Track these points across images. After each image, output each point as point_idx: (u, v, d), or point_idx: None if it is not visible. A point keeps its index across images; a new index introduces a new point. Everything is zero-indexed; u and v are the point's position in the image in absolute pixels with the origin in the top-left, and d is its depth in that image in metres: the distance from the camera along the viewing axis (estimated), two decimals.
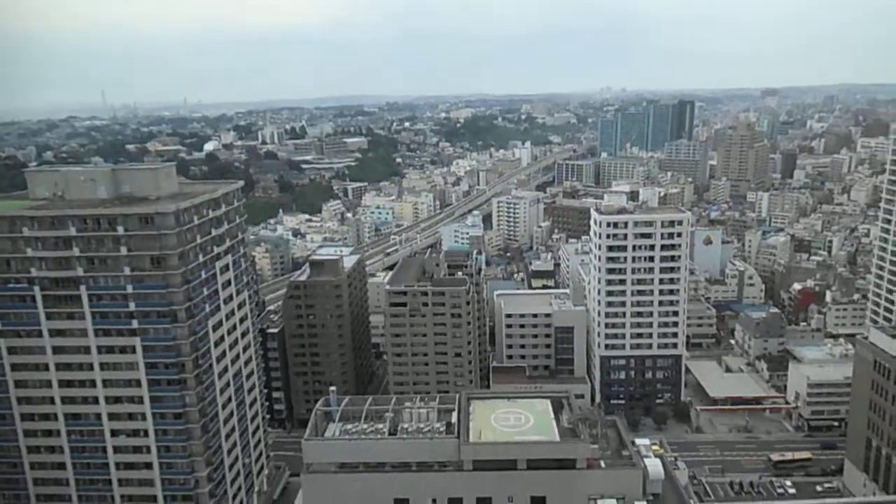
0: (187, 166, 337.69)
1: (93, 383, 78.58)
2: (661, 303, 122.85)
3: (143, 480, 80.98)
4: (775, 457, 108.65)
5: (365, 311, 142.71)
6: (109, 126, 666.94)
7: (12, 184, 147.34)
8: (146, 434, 79.87)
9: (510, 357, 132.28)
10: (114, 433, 79.88)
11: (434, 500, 59.46)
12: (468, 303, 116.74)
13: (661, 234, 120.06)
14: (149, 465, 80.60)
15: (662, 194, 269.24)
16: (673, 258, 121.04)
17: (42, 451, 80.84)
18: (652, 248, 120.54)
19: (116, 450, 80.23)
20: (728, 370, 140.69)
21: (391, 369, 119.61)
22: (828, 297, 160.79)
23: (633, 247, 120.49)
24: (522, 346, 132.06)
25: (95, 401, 78.99)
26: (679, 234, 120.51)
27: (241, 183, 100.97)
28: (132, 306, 76.80)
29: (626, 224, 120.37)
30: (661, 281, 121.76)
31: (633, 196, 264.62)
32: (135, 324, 77.19)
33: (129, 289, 76.45)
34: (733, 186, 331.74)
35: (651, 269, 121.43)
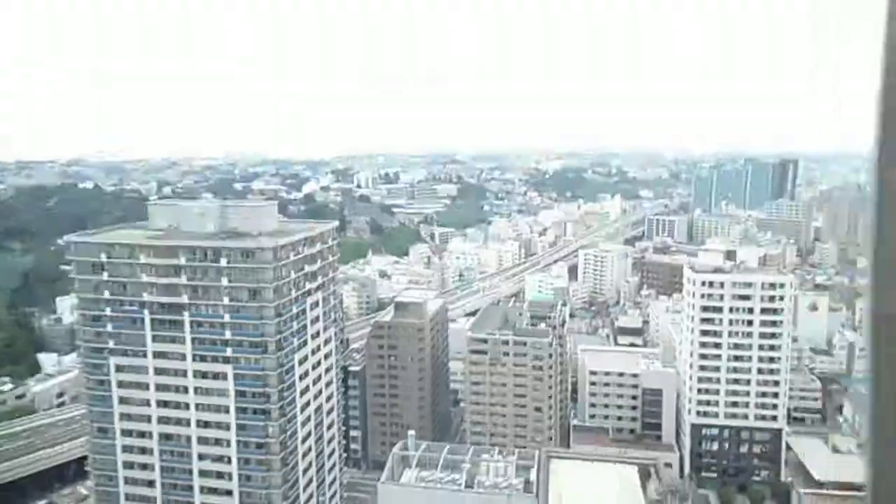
0: (286, 205, 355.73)
1: (186, 406, 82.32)
2: (759, 370, 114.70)
3: None
4: None
5: (445, 356, 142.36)
6: (222, 165, 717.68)
7: (135, 215, 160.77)
8: (229, 461, 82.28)
9: (592, 416, 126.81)
10: (200, 457, 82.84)
11: None
12: (551, 355, 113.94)
13: (761, 297, 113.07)
14: (229, 493, 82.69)
15: (762, 255, 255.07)
16: (774, 323, 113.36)
17: (136, 468, 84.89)
18: (751, 311, 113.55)
19: (201, 473, 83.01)
20: (836, 450, 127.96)
21: (468, 417, 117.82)
22: None
23: (730, 308, 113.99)
24: (606, 406, 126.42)
25: (188, 423, 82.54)
26: (781, 298, 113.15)
27: (336, 223, 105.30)
28: (228, 335, 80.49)
29: (722, 284, 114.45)
30: (761, 347, 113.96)
31: (729, 255, 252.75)
32: (229, 351, 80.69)
33: (227, 318, 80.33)
34: (841, 250, 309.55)
35: (749, 334, 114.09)
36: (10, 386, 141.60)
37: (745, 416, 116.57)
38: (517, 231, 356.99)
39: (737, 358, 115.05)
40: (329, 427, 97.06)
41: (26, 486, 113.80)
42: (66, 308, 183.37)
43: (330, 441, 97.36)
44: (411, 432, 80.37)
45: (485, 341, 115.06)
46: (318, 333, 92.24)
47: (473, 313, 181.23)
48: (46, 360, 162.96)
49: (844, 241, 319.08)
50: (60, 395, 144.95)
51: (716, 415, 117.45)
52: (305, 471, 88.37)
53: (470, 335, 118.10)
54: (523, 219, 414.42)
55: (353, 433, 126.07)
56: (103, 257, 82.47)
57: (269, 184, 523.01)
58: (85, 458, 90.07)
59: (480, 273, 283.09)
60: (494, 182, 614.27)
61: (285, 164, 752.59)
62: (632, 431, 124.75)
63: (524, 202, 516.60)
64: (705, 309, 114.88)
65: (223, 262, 79.67)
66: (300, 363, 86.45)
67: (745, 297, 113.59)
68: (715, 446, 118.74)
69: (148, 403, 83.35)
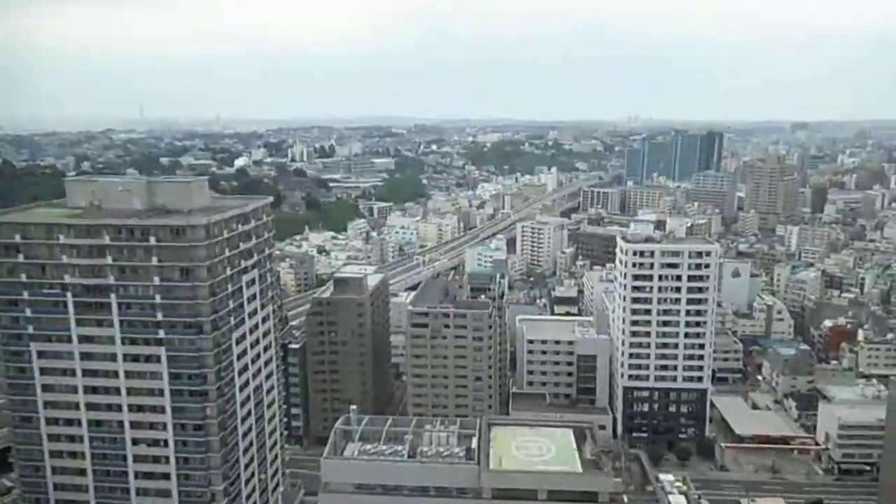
0: (218, 181, 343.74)
1: (117, 391, 79.23)
2: (686, 335, 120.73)
3: (161, 491, 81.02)
4: None
5: (386, 330, 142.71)
6: (145, 139, 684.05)
7: (51, 192, 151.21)
8: (166, 444, 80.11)
9: (531, 384, 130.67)
10: (135, 441, 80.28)
11: None
12: (490, 326, 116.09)
13: (689, 265, 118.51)
14: (167, 476, 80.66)
15: (689, 225, 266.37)
16: (700, 289, 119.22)
17: (64, 456, 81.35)
18: (679, 278, 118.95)
19: (136, 458, 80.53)
20: (755, 407, 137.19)
21: (410, 390, 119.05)
22: (860, 336, 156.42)
23: (660, 276, 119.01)
24: (543, 374, 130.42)
25: (119, 408, 79.58)
26: (707, 266, 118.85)
27: (271, 199, 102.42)
28: (159, 316, 77.61)
29: (652, 253, 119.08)
30: (688, 312, 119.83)
31: (659, 225, 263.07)
32: (161, 333, 77.91)
33: (158, 299, 77.35)
34: (762, 219, 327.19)
35: (678, 300, 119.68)
36: None
37: (674, 378, 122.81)
38: (456, 205, 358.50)
39: (666, 323, 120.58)
40: (270, 405, 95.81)
41: None
42: None
43: (271, 419, 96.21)
44: (353, 407, 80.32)
45: (426, 314, 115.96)
46: (255, 312, 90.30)
47: (414, 287, 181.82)
48: None
49: (765, 211, 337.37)
50: None
51: (646, 377, 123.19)
52: (246, 450, 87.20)
53: (411, 309, 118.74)
54: (462, 192, 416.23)
55: (294, 410, 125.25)
56: (18, 238, 77.36)
57: (199, 158, 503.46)
58: (7, 449, 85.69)
59: (420, 247, 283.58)
60: (432, 155, 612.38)
61: (215, 138, 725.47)
62: (567, 396, 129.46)
63: (462, 175, 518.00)
64: (636, 277, 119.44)
65: (152, 240, 76.32)
66: (238, 342, 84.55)
67: (674, 266, 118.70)
68: (645, 407, 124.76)
69: (75, 390, 79.69)
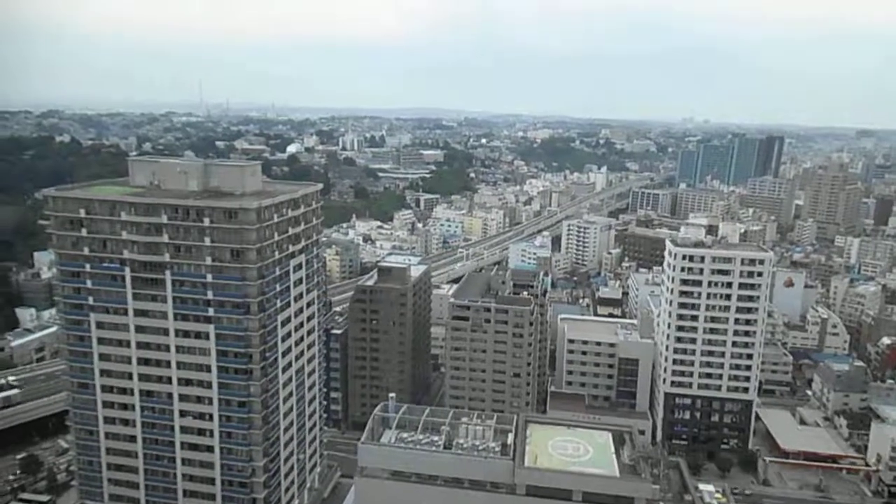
0: (270, 166, 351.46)
1: (168, 364, 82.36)
2: (734, 343, 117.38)
3: (204, 462, 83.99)
4: None
5: (427, 321, 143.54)
6: (203, 123, 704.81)
7: (114, 171, 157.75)
8: (211, 418, 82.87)
9: (569, 384, 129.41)
10: (182, 413, 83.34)
11: None
12: (531, 323, 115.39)
13: (740, 272, 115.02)
14: (210, 449, 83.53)
15: (743, 231, 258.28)
16: (751, 298, 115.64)
17: (117, 423, 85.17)
18: (729, 285, 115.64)
19: (183, 430, 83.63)
20: (803, 422, 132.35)
21: (448, 382, 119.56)
22: None
23: (709, 283, 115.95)
24: (583, 374, 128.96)
25: (168, 381, 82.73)
26: (759, 274, 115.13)
27: (320, 186, 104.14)
28: (210, 295, 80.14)
29: (703, 259, 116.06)
30: (737, 321, 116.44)
31: (711, 230, 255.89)
32: (211, 311, 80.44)
33: (209, 278, 79.85)
34: (820, 229, 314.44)
35: (727, 308, 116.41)
36: None
37: (718, 388, 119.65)
38: (503, 199, 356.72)
39: (713, 331, 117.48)
40: (310, 388, 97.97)
41: (6, 438, 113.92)
42: (45, 263, 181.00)
43: (311, 401, 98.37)
44: (392, 394, 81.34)
45: (467, 308, 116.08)
46: (301, 296, 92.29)
47: (456, 280, 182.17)
48: (24, 314, 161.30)
49: (824, 220, 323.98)
50: (40, 349, 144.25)
51: (689, 385, 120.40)
52: (286, 429, 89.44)
53: (452, 301, 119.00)
54: (509, 187, 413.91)
55: (333, 395, 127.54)
56: (82, 213, 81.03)
57: (253, 143, 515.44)
58: (65, 412, 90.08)
59: (464, 240, 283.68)
60: (481, 149, 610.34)
61: (269, 124, 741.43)
62: (607, 399, 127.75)
63: (510, 171, 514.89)
64: (685, 282, 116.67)
65: (206, 221, 78.73)
66: (283, 324, 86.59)
67: (725, 272, 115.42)
68: (687, 415, 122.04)
69: (129, 360, 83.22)
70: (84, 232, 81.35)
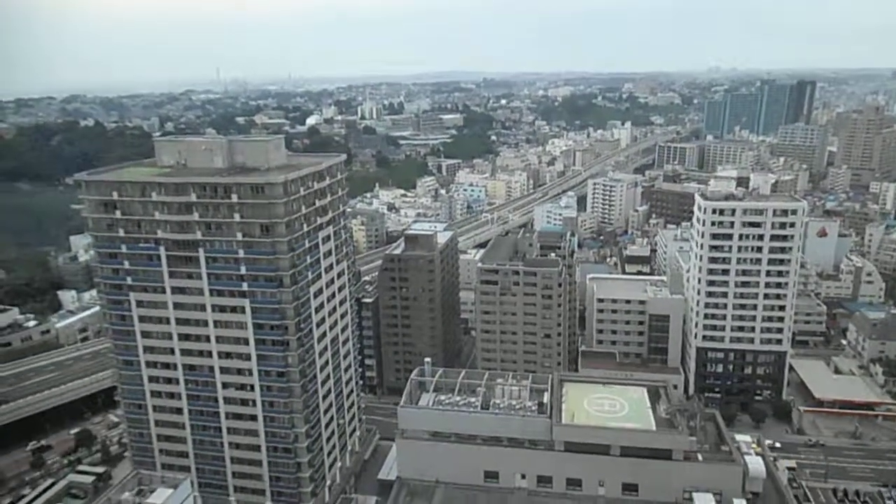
0: (290, 139, 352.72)
1: (207, 339, 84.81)
2: (766, 296, 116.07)
3: (249, 431, 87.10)
4: None
5: (456, 286, 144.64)
6: (222, 99, 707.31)
7: (139, 152, 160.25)
8: (252, 389, 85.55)
9: (600, 342, 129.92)
10: (224, 385, 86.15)
11: (523, 476, 60.12)
12: (560, 284, 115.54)
13: (772, 224, 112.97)
14: (253, 418, 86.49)
15: (774, 181, 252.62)
16: (783, 249, 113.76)
17: (163, 396, 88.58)
18: (760, 237, 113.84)
19: (226, 401, 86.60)
20: (837, 371, 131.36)
21: (479, 345, 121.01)
22: None
23: (740, 235, 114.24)
24: (613, 332, 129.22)
25: (209, 355, 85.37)
26: (792, 225, 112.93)
27: (344, 156, 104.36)
28: (243, 270, 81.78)
29: (733, 211, 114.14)
30: (769, 273, 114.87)
31: (741, 182, 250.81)
32: (245, 286, 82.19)
33: (241, 253, 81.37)
34: (854, 175, 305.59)
35: (758, 261, 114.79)
36: (34, 322, 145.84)
37: (751, 340, 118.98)
38: (525, 161, 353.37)
39: (744, 284, 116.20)
40: (346, 356, 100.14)
41: (60, 414, 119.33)
42: (81, 246, 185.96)
43: (347, 369, 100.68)
44: (427, 359, 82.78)
45: (495, 272, 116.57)
46: (331, 267, 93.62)
47: (483, 245, 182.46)
48: (66, 297, 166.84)
49: (858, 166, 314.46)
50: (83, 330, 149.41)
51: (722, 339, 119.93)
52: (325, 396, 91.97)
53: (480, 266, 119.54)
54: (532, 149, 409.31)
55: (368, 361, 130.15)
56: (115, 195, 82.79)
57: (272, 117, 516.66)
58: (113, 388, 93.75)
59: (489, 204, 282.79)
60: (501, 111, 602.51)
61: (287, 97, 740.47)
62: (638, 356, 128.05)
63: (532, 131, 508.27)
64: (715, 236, 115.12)
65: (234, 197, 79.80)
66: (315, 296, 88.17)
67: (756, 225, 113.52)
68: (720, 368, 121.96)
69: (170, 337, 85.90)
70: (118, 214, 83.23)
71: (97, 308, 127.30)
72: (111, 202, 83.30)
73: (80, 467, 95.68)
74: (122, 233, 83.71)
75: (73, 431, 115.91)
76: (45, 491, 74.97)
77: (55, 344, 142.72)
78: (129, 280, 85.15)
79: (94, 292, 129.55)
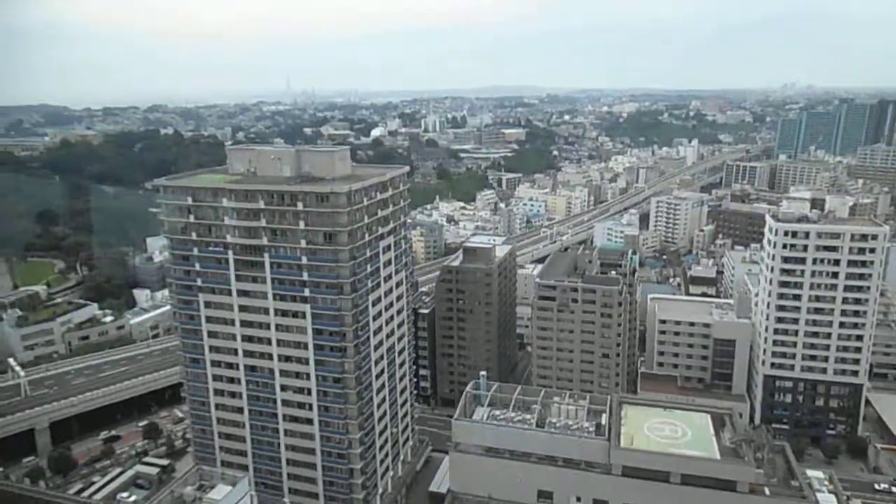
0: (355, 150, 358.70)
1: (269, 341, 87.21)
2: (842, 324, 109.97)
3: (305, 434, 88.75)
4: None
5: (513, 301, 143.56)
6: (291, 111, 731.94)
7: (213, 159, 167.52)
8: (309, 392, 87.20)
9: (661, 365, 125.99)
10: (283, 388, 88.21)
11: (578, 499, 58.73)
12: (620, 303, 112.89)
13: (850, 249, 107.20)
14: (309, 421, 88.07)
15: (852, 204, 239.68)
16: (861, 276, 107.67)
17: (225, 395, 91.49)
18: (837, 262, 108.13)
19: (284, 403, 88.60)
20: None
21: (535, 362, 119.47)
22: None
23: (814, 260, 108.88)
24: (675, 355, 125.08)
25: (270, 357, 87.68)
26: (872, 251, 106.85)
27: (408, 168, 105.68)
28: (305, 276, 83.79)
29: (807, 234, 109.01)
30: (845, 300, 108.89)
31: (816, 204, 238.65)
32: (306, 292, 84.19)
33: (304, 260, 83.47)
34: None
35: (833, 286, 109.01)
36: (110, 318, 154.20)
37: (823, 370, 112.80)
38: (587, 177, 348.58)
39: (818, 311, 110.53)
40: (401, 365, 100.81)
41: (130, 407, 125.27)
42: (156, 248, 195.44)
43: (402, 378, 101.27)
44: (483, 373, 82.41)
45: (553, 287, 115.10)
46: (390, 276, 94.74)
47: (541, 260, 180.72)
48: (140, 295, 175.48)
49: None
50: (154, 327, 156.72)
51: (791, 367, 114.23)
52: (380, 405, 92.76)
53: (538, 281, 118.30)
54: (594, 164, 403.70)
55: (422, 372, 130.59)
56: (189, 200, 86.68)
57: (338, 128, 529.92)
58: (179, 384, 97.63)
59: (548, 219, 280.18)
60: (564, 126, 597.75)
61: (352, 109, 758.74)
62: (700, 380, 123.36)
63: (595, 147, 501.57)
64: (787, 260, 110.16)
65: (300, 205, 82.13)
66: (374, 304, 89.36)
67: (832, 249, 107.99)
68: (788, 398, 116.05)
69: (234, 338, 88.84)
70: (192, 218, 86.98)
71: (168, 307, 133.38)
72: (186, 206, 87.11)
73: (146, 459, 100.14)
74: (194, 236, 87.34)
75: (141, 424, 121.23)
76: (113, 479, 78.60)
77: (129, 339, 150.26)
78: (198, 281, 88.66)
79: (166, 292, 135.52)
